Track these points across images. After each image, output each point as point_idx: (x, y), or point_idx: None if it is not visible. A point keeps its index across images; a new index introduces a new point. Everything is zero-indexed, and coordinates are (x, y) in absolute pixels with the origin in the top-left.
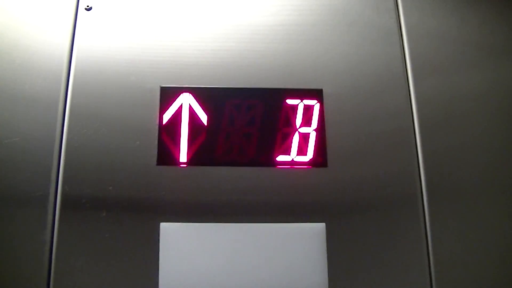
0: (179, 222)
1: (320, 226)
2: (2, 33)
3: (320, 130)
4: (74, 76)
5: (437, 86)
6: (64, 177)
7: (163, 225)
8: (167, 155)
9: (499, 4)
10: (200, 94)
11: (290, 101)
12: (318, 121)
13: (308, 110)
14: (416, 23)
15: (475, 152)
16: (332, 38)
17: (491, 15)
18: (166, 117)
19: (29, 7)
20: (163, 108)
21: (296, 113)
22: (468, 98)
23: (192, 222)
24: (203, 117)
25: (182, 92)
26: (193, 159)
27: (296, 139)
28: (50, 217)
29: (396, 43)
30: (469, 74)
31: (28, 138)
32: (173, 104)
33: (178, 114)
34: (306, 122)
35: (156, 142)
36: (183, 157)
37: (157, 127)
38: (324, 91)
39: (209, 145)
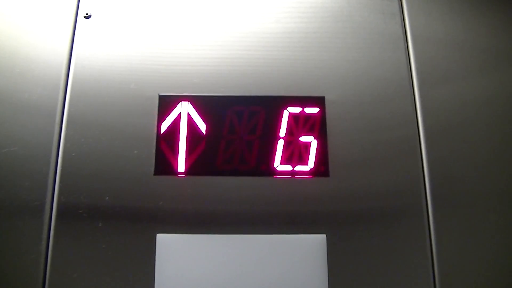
0: (176, 233)
1: (321, 238)
2: (1, 41)
3: (322, 138)
4: (73, 84)
5: (443, 92)
6: (60, 187)
7: (160, 236)
8: (165, 164)
9: (506, 9)
10: (199, 102)
11: (291, 109)
12: (319, 129)
13: (309, 118)
14: (421, 28)
15: (481, 160)
16: (335, 44)
17: (499, 20)
18: (165, 126)
19: (28, 15)
20: (162, 117)
21: (297, 121)
22: (474, 105)
23: (190, 233)
24: (202, 126)
25: (181, 101)
26: (191, 169)
27: (297, 148)
28: (46, 227)
29: (401, 48)
30: (476, 81)
31: (26, 147)
32: (171, 113)
33: (176, 123)
34: (308, 130)
35: (154, 151)
36: (181, 167)
37: (155, 136)
38: (326, 98)
39: (207, 154)
